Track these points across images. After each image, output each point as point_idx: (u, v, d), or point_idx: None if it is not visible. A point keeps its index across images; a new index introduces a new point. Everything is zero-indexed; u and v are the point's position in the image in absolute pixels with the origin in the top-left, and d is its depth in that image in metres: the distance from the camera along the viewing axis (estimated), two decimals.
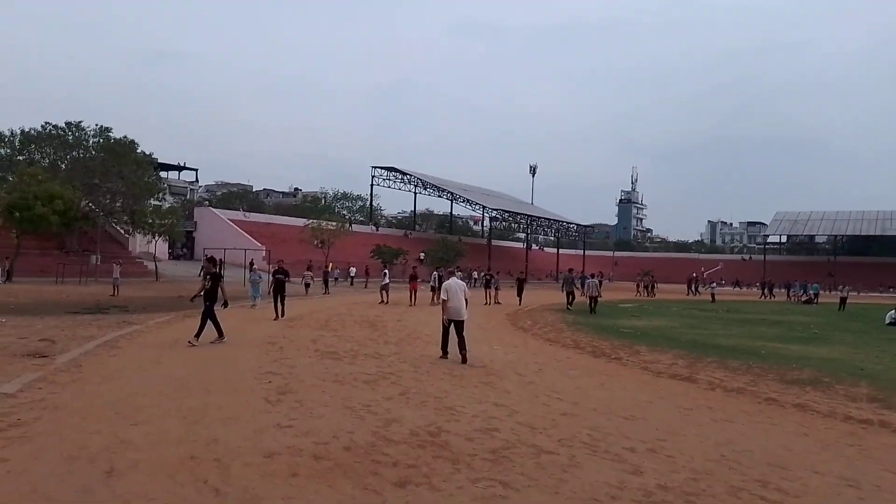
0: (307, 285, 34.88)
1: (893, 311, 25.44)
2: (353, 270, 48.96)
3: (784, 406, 8.57)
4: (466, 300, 11.92)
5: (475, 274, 47.15)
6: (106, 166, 46.54)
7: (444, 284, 12.27)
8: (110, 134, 47.47)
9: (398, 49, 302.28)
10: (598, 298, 27.06)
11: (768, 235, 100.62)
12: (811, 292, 45.81)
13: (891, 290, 69.43)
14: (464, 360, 11.23)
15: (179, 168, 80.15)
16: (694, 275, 57.79)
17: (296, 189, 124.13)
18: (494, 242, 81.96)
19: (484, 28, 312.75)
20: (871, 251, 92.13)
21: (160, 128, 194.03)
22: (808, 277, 63.64)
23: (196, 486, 4.86)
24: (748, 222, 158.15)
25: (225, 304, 13.28)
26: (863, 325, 24.40)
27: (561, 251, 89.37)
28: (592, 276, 29.62)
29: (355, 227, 67.62)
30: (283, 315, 18.14)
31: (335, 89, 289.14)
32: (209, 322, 12.71)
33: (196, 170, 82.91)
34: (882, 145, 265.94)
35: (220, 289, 12.96)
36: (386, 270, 32.75)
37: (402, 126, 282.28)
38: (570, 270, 31.70)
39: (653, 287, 46.75)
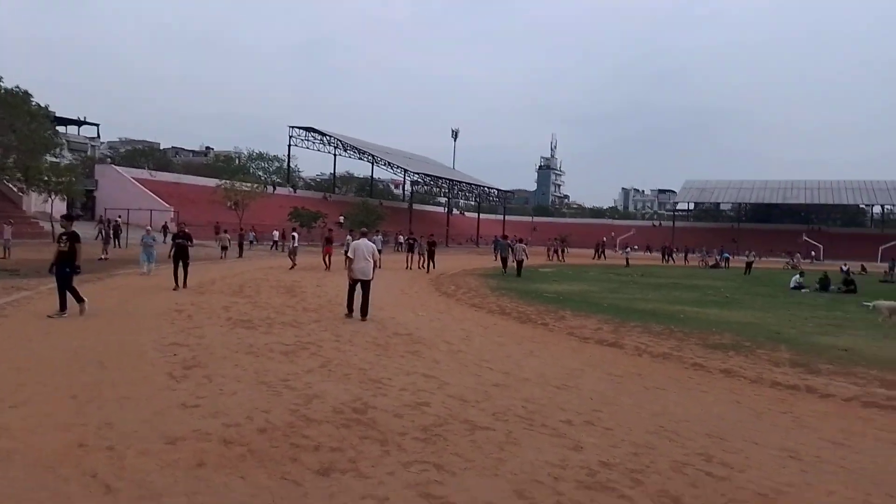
0: (224, 248, 33.28)
1: (798, 276, 26.80)
2: (276, 234, 46.79)
3: (711, 372, 8.55)
4: (376, 262, 12.46)
5: (400, 238, 46.46)
6: None
7: (351, 245, 12.78)
8: (0, 83, 43.26)
9: (318, 6, 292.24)
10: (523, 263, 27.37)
11: (677, 202, 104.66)
12: (721, 257, 47.94)
13: (788, 254, 73.93)
14: (363, 317, 11.98)
15: (79, 123, 74.72)
16: (604, 239, 59.31)
17: (207, 148, 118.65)
18: (416, 207, 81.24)
19: None
20: (772, 218, 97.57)
21: (58, 81, 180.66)
22: (714, 243, 66.84)
23: (82, 480, 4.17)
24: (659, 190, 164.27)
25: (77, 270, 11.38)
26: (770, 290, 25.51)
27: (482, 216, 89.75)
28: (521, 240, 29.59)
29: (268, 189, 65.24)
30: (184, 285, 16.22)
31: (250, 45, 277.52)
32: (68, 291, 11.15)
33: (97, 125, 77.79)
34: (790, 114, 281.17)
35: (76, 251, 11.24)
36: (295, 234, 30.64)
37: (322, 87, 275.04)
38: (504, 237, 31.84)
39: (563, 251, 47.47)
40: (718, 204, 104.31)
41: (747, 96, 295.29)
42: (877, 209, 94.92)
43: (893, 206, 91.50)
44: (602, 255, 51.94)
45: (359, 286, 12.18)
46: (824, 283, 26.11)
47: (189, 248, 16.66)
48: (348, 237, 27.68)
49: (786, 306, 18.23)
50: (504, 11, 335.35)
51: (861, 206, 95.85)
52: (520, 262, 27.42)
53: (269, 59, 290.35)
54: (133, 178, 56.98)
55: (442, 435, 5.31)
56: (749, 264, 38.53)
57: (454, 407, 6.21)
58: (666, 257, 53.34)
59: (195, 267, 24.41)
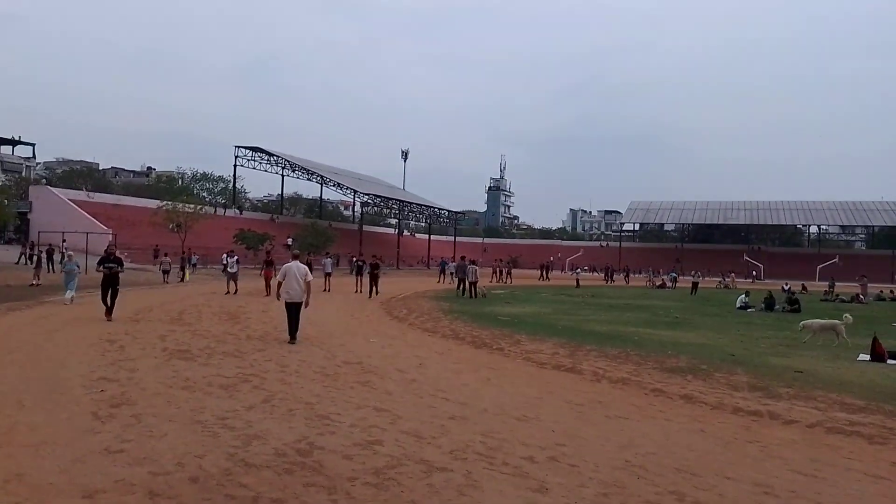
0: (165, 272, 32.00)
1: (743, 296, 27.27)
2: (225, 258, 44.23)
3: (672, 398, 8.32)
4: (308, 284, 12.35)
5: (356, 260, 45.44)
6: None
7: (283, 267, 12.67)
8: None
9: (264, 26, 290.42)
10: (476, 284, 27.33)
11: (623, 223, 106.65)
12: (668, 277, 48.79)
13: (721, 274, 75.93)
14: (291, 340, 12.02)
15: (13, 142, 71.80)
16: (550, 260, 59.75)
17: (149, 168, 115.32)
18: (366, 228, 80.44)
19: (354, 8, 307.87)
20: (714, 238, 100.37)
21: None
22: (659, 263, 68.15)
23: None
24: (606, 211, 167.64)
25: None
26: (717, 310, 25.85)
27: (433, 237, 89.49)
28: (473, 262, 29.48)
29: (210, 210, 63.60)
30: (109, 313, 14.31)
31: (194, 64, 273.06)
32: None
33: (33, 144, 74.73)
34: (722, 142, 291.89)
35: None
36: (235, 257, 26.88)
37: (269, 107, 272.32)
38: (463, 258, 31.81)
39: (509, 273, 47.22)
40: (662, 225, 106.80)
41: (687, 120, 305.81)
42: (813, 229, 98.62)
43: (829, 226, 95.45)
44: (547, 277, 52.11)
45: (292, 309, 12.24)
46: (769, 303, 26.62)
47: (119, 273, 15.03)
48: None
49: (735, 327, 18.38)
50: (450, 35, 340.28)
51: (798, 226, 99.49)
52: (472, 284, 27.73)
53: (214, 78, 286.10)
54: (69, 200, 54.61)
55: (395, 479, 4.85)
56: (695, 284, 39.25)
57: (409, 445, 5.76)
58: (608, 277, 53.95)
59: (134, 293, 23.38)
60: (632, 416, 7.26)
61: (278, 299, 12.55)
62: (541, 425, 6.62)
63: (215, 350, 10.81)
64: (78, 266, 19.74)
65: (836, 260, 72.88)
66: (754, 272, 76.72)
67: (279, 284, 12.44)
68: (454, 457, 5.45)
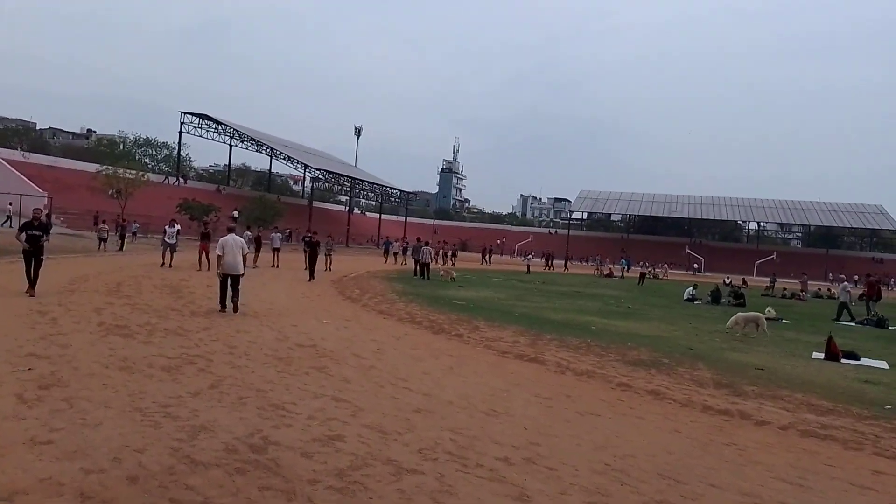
0: (103, 239, 30.44)
1: (691, 288, 27.68)
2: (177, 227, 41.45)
3: (639, 393, 8.10)
4: (244, 257, 12.70)
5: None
6: None
7: (221, 241, 12.77)
8: None
9: None
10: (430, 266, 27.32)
11: (573, 212, 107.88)
12: (620, 266, 49.50)
13: (650, 264, 77.75)
14: (235, 310, 12.28)
15: None
16: (496, 243, 59.67)
17: (89, 130, 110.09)
18: (316, 204, 78.77)
19: None
20: (658, 230, 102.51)
21: None
22: (605, 252, 69.13)
23: None
24: (556, 198, 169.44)
25: None
26: (665, 301, 26.17)
27: (383, 217, 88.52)
28: (426, 243, 29.25)
29: (157, 178, 61.16)
30: (32, 287, 12.43)
31: (140, 25, 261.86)
32: None
33: None
34: (671, 129, 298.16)
35: None
36: (177, 227, 24.59)
37: (217, 75, 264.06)
38: (419, 239, 32.00)
39: (453, 255, 46.74)
40: (610, 215, 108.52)
41: (636, 111, 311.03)
42: (752, 225, 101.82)
43: (767, 223, 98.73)
44: (488, 261, 51.99)
45: (229, 281, 12.43)
46: (716, 296, 27.11)
47: (45, 241, 12.85)
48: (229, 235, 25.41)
49: (686, 318, 18.52)
50: (405, 8, 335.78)
51: (738, 222, 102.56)
52: (425, 265, 28.23)
53: (159, 42, 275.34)
54: (2, 160, 51.58)
55: (362, 482, 4.39)
56: (643, 275, 39.81)
57: (373, 441, 5.30)
58: (548, 264, 53.55)
59: (70, 262, 22.01)
60: (602, 412, 6.99)
61: (217, 273, 12.60)
62: (511, 421, 6.26)
63: (157, 327, 10.07)
64: None
65: (774, 256, 75.36)
66: (696, 265, 78.77)
67: (218, 258, 12.49)
68: (424, 457, 5.03)
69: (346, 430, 5.53)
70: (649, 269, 51.31)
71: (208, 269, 20.74)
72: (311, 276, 22.38)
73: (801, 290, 36.61)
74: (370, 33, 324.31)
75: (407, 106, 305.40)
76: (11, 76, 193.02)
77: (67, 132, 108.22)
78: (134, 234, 38.03)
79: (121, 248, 30.59)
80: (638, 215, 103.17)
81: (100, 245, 29.85)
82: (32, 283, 12.47)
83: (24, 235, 12.58)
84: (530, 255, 47.75)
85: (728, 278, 43.74)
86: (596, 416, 6.81)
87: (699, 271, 74.38)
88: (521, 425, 6.13)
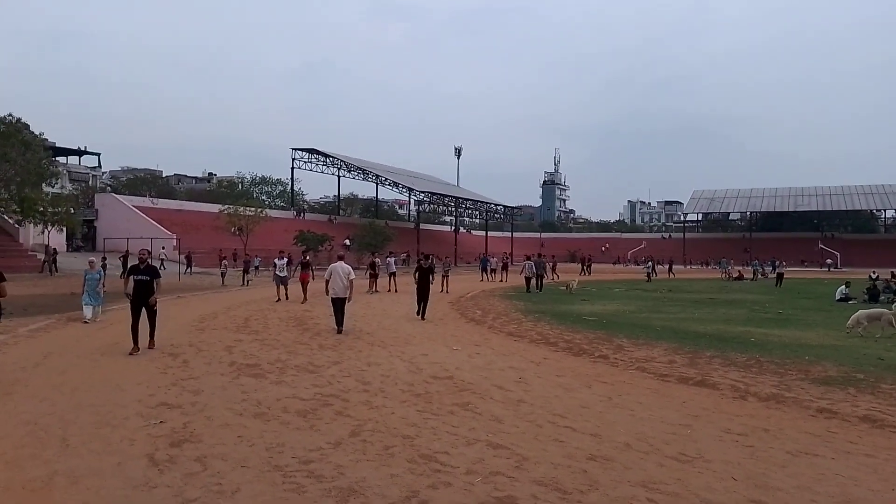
0: (223, 275, 31.62)
1: (843, 287, 24.82)
2: (286, 259, 41.78)
3: (849, 420, 6.65)
4: (351, 282, 13.64)
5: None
6: None
7: (329, 267, 14.11)
8: None
9: (314, 31, 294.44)
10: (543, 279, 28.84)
11: (687, 213, 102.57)
12: (763, 268, 45.98)
13: (804, 263, 71.78)
14: (339, 332, 13.21)
15: (80, 153, 73.25)
16: (589, 255, 56.81)
17: (210, 174, 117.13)
18: (422, 226, 79.44)
19: (402, 10, 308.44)
20: (784, 227, 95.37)
21: (60, 112, 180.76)
22: (725, 254, 64.49)
23: None
24: (666, 201, 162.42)
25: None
26: (815, 303, 23.56)
27: (489, 233, 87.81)
28: (539, 256, 28.70)
29: (274, 213, 63.60)
30: (151, 343, 10.66)
31: (249, 71, 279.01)
32: None
33: (98, 154, 76.19)
34: (794, 111, 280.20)
35: None
36: (286, 259, 23.58)
37: (321, 110, 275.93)
38: (540, 255, 32.23)
39: (553, 268, 44.26)
40: (728, 214, 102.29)
41: (750, 101, 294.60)
42: (889, 213, 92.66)
43: None
44: (587, 271, 49.38)
45: (337, 304, 13.60)
46: (873, 294, 24.18)
47: (155, 286, 10.66)
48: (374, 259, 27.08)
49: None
50: (496, 28, 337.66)
51: (873, 211, 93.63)
52: (540, 277, 28.39)
53: (268, 84, 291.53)
54: (134, 207, 55.41)
55: None
56: (780, 276, 36.53)
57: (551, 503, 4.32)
58: (651, 271, 48.69)
59: (198, 299, 22.60)
60: (818, 450, 5.65)
61: (327, 294, 13.73)
62: (712, 469, 5.09)
63: (287, 364, 9.63)
64: (102, 274, 15.83)
65: None
66: (829, 260, 72.40)
67: (326, 282, 13.74)
68: None
69: (517, 489, 4.58)
70: (760, 269, 47.03)
71: (304, 300, 20.53)
72: (419, 312, 16.45)
73: None
74: (460, 56, 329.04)
75: (503, 122, 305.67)
76: (143, 128, 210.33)
77: (190, 177, 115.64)
78: (257, 268, 39.32)
79: (244, 283, 31.50)
80: (760, 212, 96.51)
81: (222, 280, 30.99)
82: (149, 339, 10.67)
83: (130, 282, 10.69)
84: (650, 263, 45.13)
85: (874, 272, 39.38)
86: (812, 455, 5.49)
87: (834, 267, 68.24)
88: (728, 475, 4.94)
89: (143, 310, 10.56)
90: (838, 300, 23.90)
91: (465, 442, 5.74)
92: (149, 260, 10.99)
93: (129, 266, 11.35)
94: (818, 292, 29.91)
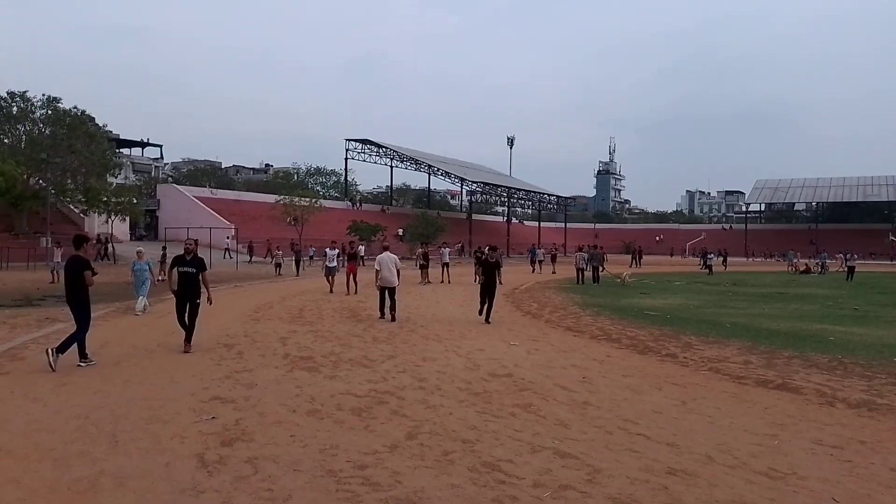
0: (278, 265, 31.98)
1: None
2: (361, 248, 37.17)
3: None
4: (398, 271, 14.31)
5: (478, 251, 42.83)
6: (55, 140, 42.57)
7: (377, 258, 14.46)
8: (59, 105, 43.31)
9: (367, 22, 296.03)
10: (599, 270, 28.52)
11: (749, 204, 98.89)
12: (820, 260, 43.86)
13: (872, 256, 68.19)
14: (392, 319, 13.67)
15: (142, 144, 75.65)
16: (640, 247, 54.94)
17: (267, 165, 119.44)
18: (474, 216, 78.99)
19: (452, 1, 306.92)
20: (851, 218, 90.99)
21: (124, 106, 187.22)
22: (788, 245, 61.62)
23: None
24: (726, 191, 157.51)
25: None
26: (891, 298, 22.18)
27: (542, 224, 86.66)
28: (593, 247, 28.20)
29: (328, 203, 64.17)
30: (188, 340, 9.80)
31: (305, 64, 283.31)
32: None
33: (160, 146, 78.57)
34: (853, 122, 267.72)
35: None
36: (336, 250, 23.86)
37: (375, 101, 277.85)
38: (595, 247, 31.89)
39: (603, 259, 42.14)
40: (792, 204, 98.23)
41: (816, 81, 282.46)
42: None
43: None
44: (639, 263, 47.81)
45: (386, 293, 14.06)
46: None
47: (200, 278, 9.96)
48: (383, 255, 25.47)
49: None
50: (548, 17, 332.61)
51: None
52: (596, 269, 28.19)
53: (324, 77, 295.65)
54: (194, 197, 56.81)
55: None
56: (851, 269, 34.67)
57: None
58: (704, 264, 45.72)
59: (254, 289, 22.78)
60: None
61: (376, 286, 14.17)
62: (808, 488, 4.55)
63: (341, 357, 9.41)
64: (150, 266, 15.68)
65: None
66: None
67: (376, 272, 14.11)
68: None
69: None
70: (815, 261, 44.48)
71: (355, 292, 20.11)
72: (482, 313, 14.05)
73: None
74: (516, 47, 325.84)
75: (556, 111, 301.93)
76: (203, 121, 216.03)
77: (248, 168, 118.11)
78: (311, 257, 39.61)
79: (297, 274, 31.76)
80: (826, 202, 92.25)
81: (276, 270, 31.30)
82: (188, 335, 9.84)
83: (175, 275, 10.01)
84: (711, 255, 43.50)
85: None
86: None
87: None
88: (828, 496, 4.41)
89: (188, 303, 9.82)
90: None
91: (529, 449, 5.33)
92: (195, 250, 10.16)
93: (174, 256, 10.37)
94: (893, 287, 28.24)
